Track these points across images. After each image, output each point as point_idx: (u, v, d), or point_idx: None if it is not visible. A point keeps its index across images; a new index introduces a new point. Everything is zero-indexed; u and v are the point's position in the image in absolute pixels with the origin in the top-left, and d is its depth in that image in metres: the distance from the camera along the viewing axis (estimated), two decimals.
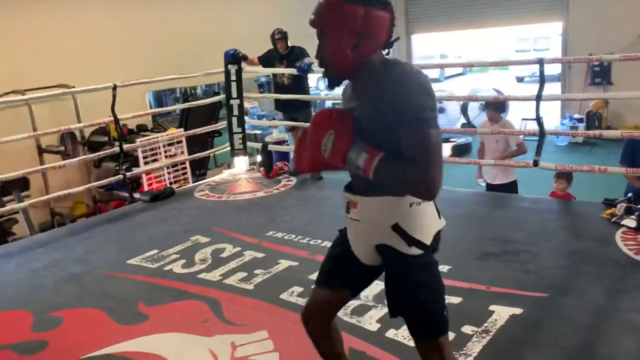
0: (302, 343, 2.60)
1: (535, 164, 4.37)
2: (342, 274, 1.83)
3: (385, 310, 2.81)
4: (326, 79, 1.65)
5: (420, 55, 13.92)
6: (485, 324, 2.64)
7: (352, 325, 2.71)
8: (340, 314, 2.79)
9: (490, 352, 2.45)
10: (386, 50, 1.63)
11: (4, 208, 4.87)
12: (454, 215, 4.36)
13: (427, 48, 18.01)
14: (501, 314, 2.73)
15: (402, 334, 2.60)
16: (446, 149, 9.69)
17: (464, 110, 11.51)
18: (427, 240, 1.64)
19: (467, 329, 2.60)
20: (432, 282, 1.67)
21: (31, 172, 5.12)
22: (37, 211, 6.02)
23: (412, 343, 2.49)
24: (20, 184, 5.54)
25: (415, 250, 1.63)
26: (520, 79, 19.21)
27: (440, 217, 1.70)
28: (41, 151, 6.19)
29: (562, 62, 9.12)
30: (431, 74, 20.26)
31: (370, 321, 2.74)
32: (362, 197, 1.67)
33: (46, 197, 5.38)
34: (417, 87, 1.47)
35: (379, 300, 2.95)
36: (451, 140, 9.88)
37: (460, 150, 9.40)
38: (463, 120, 11.70)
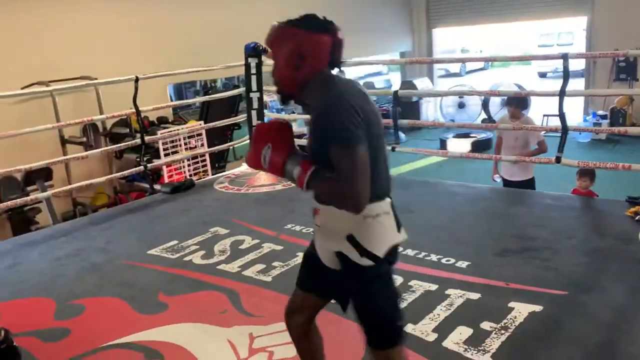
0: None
1: (558, 160, 4.31)
2: (310, 277, 1.90)
3: (404, 304, 2.83)
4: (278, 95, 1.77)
5: (441, 49, 13.77)
6: (504, 321, 2.62)
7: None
8: None
9: (509, 349, 2.43)
10: (336, 70, 1.72)
11: (28, 197, 4.97)
12: (473, 211, 4.35)
13: (449, 42, 17.81)
14: (521, 310, 2.70)
15: (419, 329, 2.60)
16: (466, 145, 9.61)
17: (485, 105, 11.40)
18: (380, 253, 1.67)
19: (485, 325, 2.59)
20: (384, 293, 1.72)
21: (54, 163, 5.21)
22: (59, 201, 6.12)
23: (428, 338, 2.52)
24: (44, 174, 5.64)
25: (367, 261, 1.66)
26: (542, 75, 18.93)
27: (400, 231, 1.74)
28: (64, 142, 6.28)
29: (587, 57, 8.99)
30: (452, 68, 20.14)
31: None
32: (323, 205, 1.72)
33: (69, 187, 5.47)
34: (342, 107, 1.56)
35: None
36: (471, 135, 9.80)
37: (481, 146, 9.32)
38: (484, 115, 11.59)
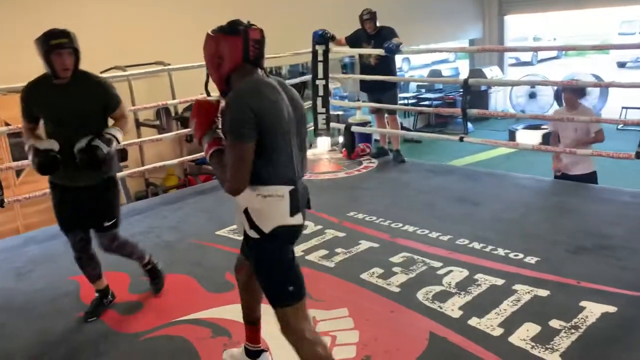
0: (382, 323, 2.64)
1: (638, 156, 4.07)
2: (243, 241, 2.12)
3: (469, 297, 2.79)
4: None
5: (512, 37, 13.26)
6: (575, 320, 2.54)
7: (434, 311, 2.70)
8: (421, 298, 2.80)
9: (579, 349, 2.35)
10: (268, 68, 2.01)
11: None
12: (544, 206, 4.21)
13: (520, 29, 17.13)
14: (593, 310, 2.60)
15: (484, 323, 2.56)
16: (536, 137, 9.26)
17: (557, 96, 10.90)
18: (265, 229, 1.90)
19: (554, 323, 2.51)
20: (271, 262, 1.96)
21: (130, 144, 5.46)
22: (133, 181, 6.42)
23: (494, 332, 2.48)
24: (120, 155, 5.92)
25: (254, 234, 1.92)
26: (621, 64, 17.87)
27: (293, 216, 1.92)
28: (139, 124, 6.57)
29: None
30: (523, 56, 19.36)
31: (453, 308, 2.71)
32: None
33: (142, 168, 5.72)
34: (238, 105, 1.82)
35: (461, 287, 2.90)
36: (542, 127, 9.42)
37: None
38: (556, 106, 11.10)
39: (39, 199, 4.57)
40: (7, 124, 4.96)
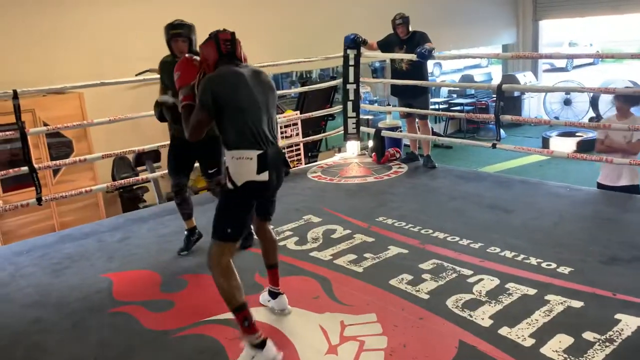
0: (410, 330, 2.62)
1: None
2: None
3: (500, 307, 2.75)
4: None
5: (547, 42, 13.01)
6: (610, 333, 2.47)
7: (464, 319, 2.66)
8: (451, 306, 2.77)
9: None
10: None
11: (138, 177, 5.35)
12: (578, 215, 4.11)
13: (555, 34, 16.81)
14: (629, 323, 2.53)
15: (515, 333, 2.51)
16: (571, 144, 9.08)
17: (593, 103, 10.67)
18: (238, 183, 2.46)
19: (588, 336, 2.45)
20: (228, 207, 2.54)
21: (163, 146, 5.56)
22: (165, 181, 6.52)
23: (525, 343, 2.43)
24: (153, 156, 6.04)
25: (230, 185, 2.48)
26: None
27: (259, 173, 2.45)
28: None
29: None
30: (558, 62, 18.98)
31: (483, 316, 2.67)
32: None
33: None
34: (203, 87, 2.48)
35: (492, 296, 2.86)
36: (577, 134, 9.23)
37: (587, 146, 8.73)
38: (592, 113, 10.87)
39: (74, 197, 4.70)
40: (45, 124, 5.12)
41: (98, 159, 4.87)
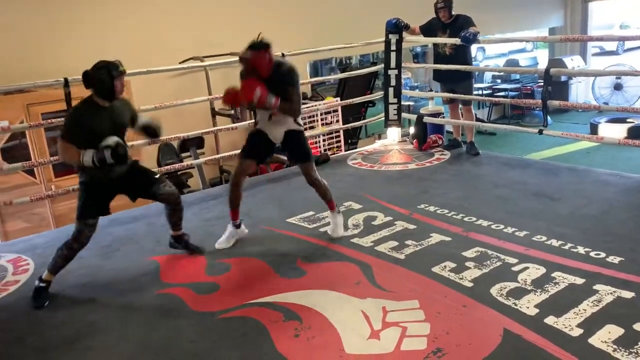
0: (453, 317, 2.60)
1: None
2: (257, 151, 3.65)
3: (546, 296, 2.70)
4: None
5: (597, 24, 12.48)
6: None
7: (508, 307, 2.63)
8: (495, 294, 2.74)
9: None
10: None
11: (183, 163, 5.46)
12: (629, 203, 3.97)
13: (606, 16, 16.11)
14: None
15: (562, 322, 2.46)
16: (621, 131, 8.73)
17: None
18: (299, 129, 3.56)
19: (639, 327, 2.38)
20: (306, 139, 3.67)
21: (207, 132, 5.66)
22: (208, 167, 6.65)
23: (573, 333, 2.38)
24: (197, 142, 6.16)
25: (296, 127, 3.52)
26: None
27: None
28: (214, 113, 6.78)
29: None
30: (607, 45, 18.21)
31: (528, 305, 2.62)
32: (280, 112, 3.44)
33: (218, 155, 5.91)
34: (296, 70, 3.45)
35: (537, 285, 2.81)
36: (628, 120, 8.87)
37: (638, 133, 8.40)
38: None
39: None
40: None
41: (145, 145, 4.98)
